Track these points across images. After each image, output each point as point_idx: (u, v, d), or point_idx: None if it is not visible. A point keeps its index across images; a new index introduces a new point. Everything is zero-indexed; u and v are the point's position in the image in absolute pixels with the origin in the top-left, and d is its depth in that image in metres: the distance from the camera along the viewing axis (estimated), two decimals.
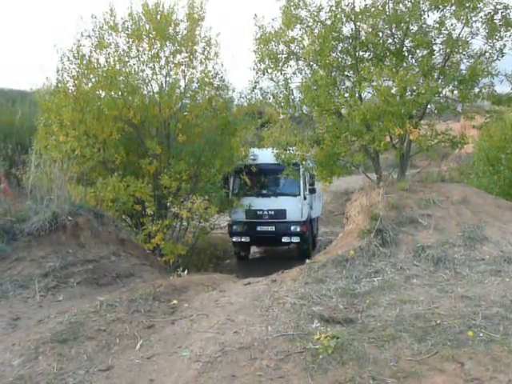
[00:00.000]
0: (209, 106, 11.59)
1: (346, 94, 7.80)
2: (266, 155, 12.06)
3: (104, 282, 6.48)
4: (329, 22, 7.71)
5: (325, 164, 7.81)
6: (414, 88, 6.95)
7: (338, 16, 7.55)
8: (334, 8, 7.64)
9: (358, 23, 7.59)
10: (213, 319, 4.46)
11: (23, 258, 6.09)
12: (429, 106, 7.69)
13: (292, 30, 8.09)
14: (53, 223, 6.61)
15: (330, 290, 4.85)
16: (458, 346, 3.58)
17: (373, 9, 7.43)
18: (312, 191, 12.73)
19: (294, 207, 12.24)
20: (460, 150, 8.67)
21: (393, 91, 6.82)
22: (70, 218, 6.89)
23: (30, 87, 13.41)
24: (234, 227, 12.68)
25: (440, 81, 7.37)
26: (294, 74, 8.32)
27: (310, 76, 7.98)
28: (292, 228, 12.24)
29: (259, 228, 12.43)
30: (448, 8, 7.31)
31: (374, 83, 6.89)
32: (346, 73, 7.98)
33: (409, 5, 7.36)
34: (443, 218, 6.14)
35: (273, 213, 12.36)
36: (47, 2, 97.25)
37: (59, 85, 10.57)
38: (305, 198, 12.52)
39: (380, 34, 7.63)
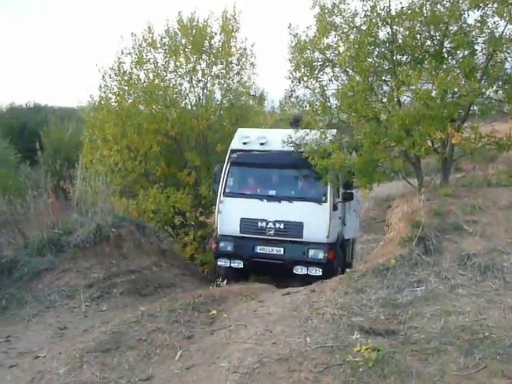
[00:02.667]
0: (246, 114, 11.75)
1: (384, 99, 7.65)
2: (280, 139, 8.46)
3: (146, 293, 6.67)
4: (364, 28, 7.61)
5: (364, 171, 7.66)
6: (456, 90, 6.72)
7: (374, 21, 7.44)
8: (368, 13, 7.53)
9: (395, 27, 7.44)
10: (251, 330, 4.45)
11: (69, 269, 6.36)
12: (472, 108, 7.41)
13: (327, 37, 8.03)
14: (97, 235, 6.88)
15: (370, 300, 4.73)
16: (508, 361, 3.39)
17: (409, 11, 7.27)
18: (347, 197, 8.62)
19: (316, 220, 8.05)
20: (508, 153, 8.28)
21: (433, 94, 6.62)
22: (113, 229, 7.15)
23: (76, 105, 14.06)
24: (221, 245, 8.41)
25: (483, 81, 7.09)
26: (330, 80, 8.24)
27: (346, 82, 7.88)
28: (311, 253, 8.01)
29: (259, 249, 8.21)
30: (490, 6, 7.04)
31: (413, 87, 6.72)
32: (383, 78, 7.83)
33: (447, 5, 7.15)
34: (490, 224, 5.85)
35: (282, 226, 8.14)
36: (92, 24, 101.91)
37: (102, 101, 11.01)
38: (335, 208, 8.33)
39: (418, 36, 7.44)
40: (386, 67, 7.77)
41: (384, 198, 19.01)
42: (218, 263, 8.49)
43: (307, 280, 7.45)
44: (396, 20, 7.40)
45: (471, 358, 3.50)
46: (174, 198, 10.41)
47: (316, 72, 8.17)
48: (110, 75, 10.96)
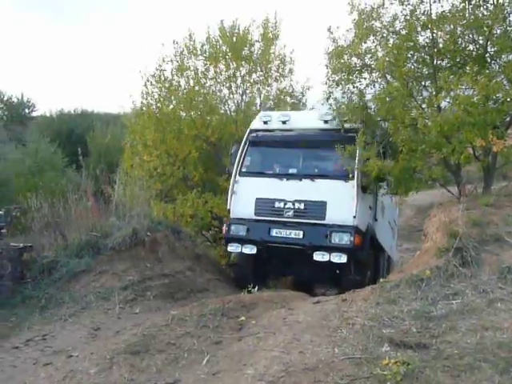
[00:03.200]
0: None
1: (424, 105, 7.44)
2: (303, 118, 8.28)
3: (179, 297, 6.76)
4: (404, 32, 7.45)
5: (400, 178, 7.45)
6: (499, 96, 6.45)
7: (413, 25, 7.27)
8: (408, 17, 7.38)
9: (435, 31, 7.24)
10: (279, 338, 4.42)
11: (106, 272, 6.55)
12: None
13: (365, 43, 7.92)
14: (133, 239, 7.06)
15: (402, 311, 4.58)
16: None
17: (450, 15, 7.05)
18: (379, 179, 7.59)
19: (341, 199, 7.17)
20: None
21: (474, 100, 6.37)
22: (148, 233, 7.31)
23: (119, 110, 14.53)
24: (232, 228, 7.64)
25: None
26: (368, 86, 8.11)
27: (384, 88, 7.73)
28: (334, 237, 7.05)
29: (275, 232, 7.37)
30: None
31: (452, 93, 6.50)
32: (422, 83, 7.63)
33: (491, 8, 6.89)
34: None
35: (302, 207, 7.29)
36: (135, 32, 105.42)
37: (143, 108, 11.31)
38: (364, 190, 7.49)
39: (459, 40, 7.20)
40: (426, 72, 7.57)
41: (427, 206, 18.45)
42: (228, 249, 7.80)
43: (331, 270, 7.02)
44: (437, 24, 7.19)
45: (507, 376, 3.33)
46: (211, 203, 10.51)
47: (353, 77, 8.07)
48: (151, 82, 11.25)
